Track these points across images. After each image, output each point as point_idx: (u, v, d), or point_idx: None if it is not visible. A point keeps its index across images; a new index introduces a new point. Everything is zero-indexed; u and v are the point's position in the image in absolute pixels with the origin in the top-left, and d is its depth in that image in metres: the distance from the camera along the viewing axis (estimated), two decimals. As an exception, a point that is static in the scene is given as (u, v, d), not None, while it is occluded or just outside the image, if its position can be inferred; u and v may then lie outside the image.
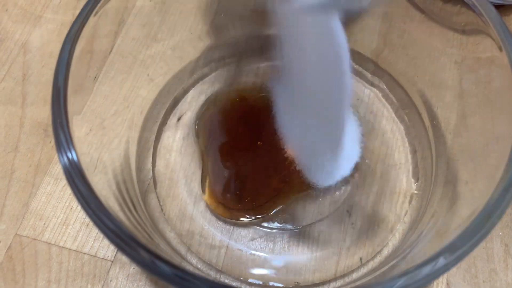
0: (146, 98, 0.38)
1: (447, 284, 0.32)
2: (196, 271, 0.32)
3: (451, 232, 0.24)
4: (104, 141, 0.33)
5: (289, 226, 0.33)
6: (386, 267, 0.30)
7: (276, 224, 0.34)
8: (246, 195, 0.34)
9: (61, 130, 0.25)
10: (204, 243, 0.33)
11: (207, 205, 0.34)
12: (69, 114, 0.26)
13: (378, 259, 0.32)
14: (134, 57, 0.38)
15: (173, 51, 0.40)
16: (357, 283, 0.31)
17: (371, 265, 0.32)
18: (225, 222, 0.34)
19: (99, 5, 0.28)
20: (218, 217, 0.34)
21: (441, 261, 0.22)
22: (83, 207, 0.23)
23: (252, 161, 0.36)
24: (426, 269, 0.21)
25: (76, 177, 0.24)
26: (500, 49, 0.28)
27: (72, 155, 0.24)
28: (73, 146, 0.24)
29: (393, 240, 0.33)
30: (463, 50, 0.35)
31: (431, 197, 0.33)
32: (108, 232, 0.23)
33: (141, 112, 0.37)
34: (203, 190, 0.35)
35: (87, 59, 0.34)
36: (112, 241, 0.23)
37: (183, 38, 0.40)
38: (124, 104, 0.36)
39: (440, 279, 0.33)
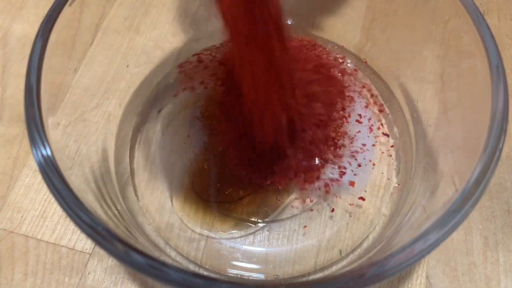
0: (126, 90, 0.37)
1: (426, 277, 0.32)
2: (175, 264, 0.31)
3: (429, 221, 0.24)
4: (84, 134, 0.33)
5: (269, 219, 0.33)
6: (364, 258, 0.30)
7: (256, 217, 0.33)
8: (226, 189, 0.34)
9: (34, 127, 0.24)
10: (183, 236, 0.33)
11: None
12: (43, 109, 0.25)
13: (357, 252, 0.32)
14: (115, 50, 0.38)
15: (154, 43, 0.39)
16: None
17: (350, 257, 0.32)
18: (204, 215, 0.34)
19: (73, -5, 0.27)
20: (197, 212, 0.34)
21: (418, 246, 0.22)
22: (59, 202, 0.23)
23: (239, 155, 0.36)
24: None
25: (51, 173, 0.23)
26: (479, 43, 0.28)
27: (47, 151, 0.24)
28: (48, 143, 0.24)
29: (373, 233, 0.33)
30: (445, 45, 0.35)
31: (411, 190, 0.33)
32: (84, 226, 0.23)
33: (120, 104, 0.37)
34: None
35: (68, 51, 0.33)
36: (88, 234, 0.23)
37: (165, 30, 0.40)
38: (105, 97, 0.36)
39: (420, 272, 0.33)
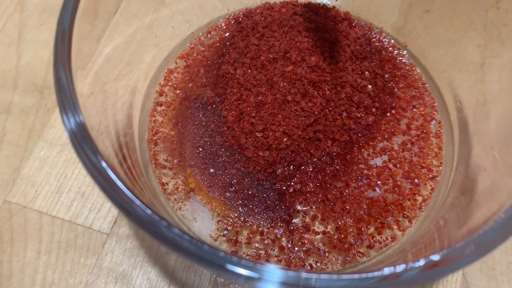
0: (151, 64, 0.35)
1: (463, 274, 0.31)
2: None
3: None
4: (105, 105, 0.31)
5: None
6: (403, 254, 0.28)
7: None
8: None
9: (67, 93, 0.22)
10: (200, 220, 0.31)
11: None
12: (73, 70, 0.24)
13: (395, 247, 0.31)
14: (140, 20, 0.36)
15: (181, 16, 0.37)
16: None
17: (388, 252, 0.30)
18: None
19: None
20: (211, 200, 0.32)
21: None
22: (90, 173, 0.21)
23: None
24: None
25: (82, 141, 0.21)
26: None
27: (79, 116, 0.22)
28: (78, 105, 0.22)
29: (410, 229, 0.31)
30: (487, 33, 0.33)
31: (452, 186, 0.31)
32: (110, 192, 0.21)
33: (145, 78, 0.34)
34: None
35: (91, 19, 0.31)
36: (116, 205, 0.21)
37: (193, 3, 0.38)
38: (128, 69, 0.34)
39: (456, 269, 0.31)
